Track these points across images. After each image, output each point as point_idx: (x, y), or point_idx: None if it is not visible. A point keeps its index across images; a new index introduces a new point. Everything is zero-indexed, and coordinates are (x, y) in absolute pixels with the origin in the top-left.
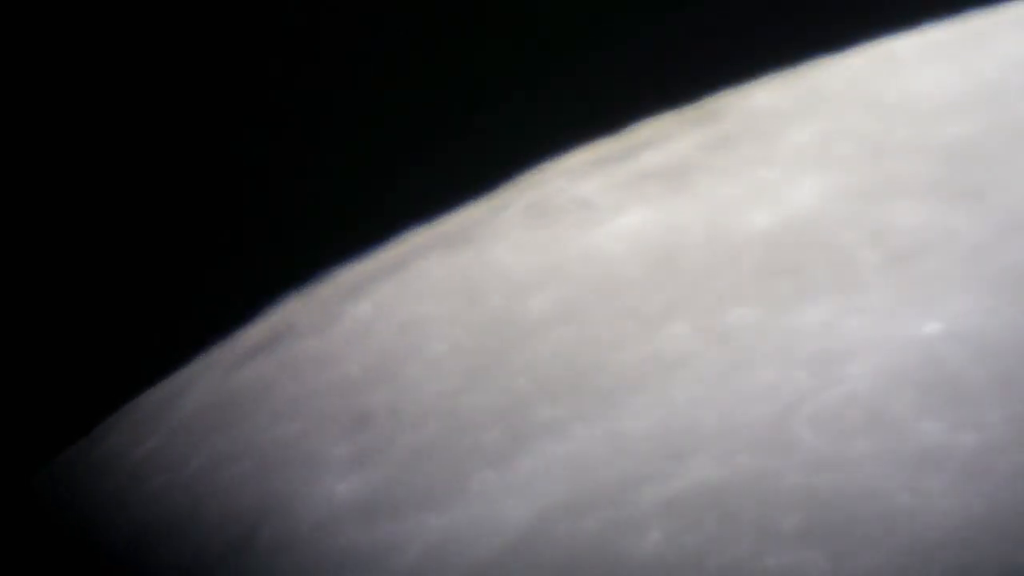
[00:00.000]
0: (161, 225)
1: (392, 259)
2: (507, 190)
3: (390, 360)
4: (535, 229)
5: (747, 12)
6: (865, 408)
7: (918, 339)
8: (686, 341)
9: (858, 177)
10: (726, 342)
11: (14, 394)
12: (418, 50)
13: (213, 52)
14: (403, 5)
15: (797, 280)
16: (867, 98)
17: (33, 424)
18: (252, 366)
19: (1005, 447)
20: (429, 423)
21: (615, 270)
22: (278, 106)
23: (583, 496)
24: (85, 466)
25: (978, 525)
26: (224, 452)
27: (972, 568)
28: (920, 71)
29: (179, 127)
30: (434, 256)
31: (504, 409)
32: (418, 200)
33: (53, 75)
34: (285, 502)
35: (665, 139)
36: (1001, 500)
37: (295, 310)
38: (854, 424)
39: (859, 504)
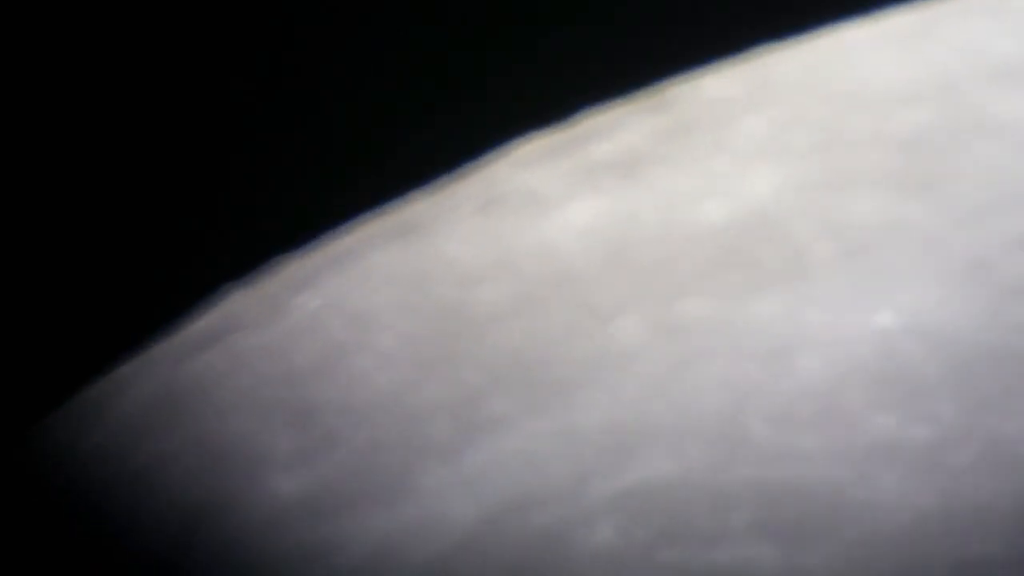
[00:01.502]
0: (102, 218)
1: (339, 250)
2: (457, 181)
3: (338, 353)
4: (485, 220)
5: None
6: (817, 401)
7: (871, 331)
8: (638, 334)
9: (812, 168)
10: (678, 335)
11: None
12: (365, 44)
13: (155, 47)
14: (356, 2)
15: (750, 273)
16: (820, 87)
17: None
18: (198, 359)
19: (957, 440)
20: (377, 417)
21: (566, 262)
22: (214, 101)
23: (534, 491)
24: (31, 459)
25: (930, 518)
26: (170, 447)
27: (924, 561)
28: (873, 59)
29: (117, 122)
30: (383, 247)
31: (454, 403)
32: (365, 191)
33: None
34: (231, 498)
35: (616, 129)
36: (953, 493)
37: (240, 302)
38: (806, 417)
39: (811, 497)
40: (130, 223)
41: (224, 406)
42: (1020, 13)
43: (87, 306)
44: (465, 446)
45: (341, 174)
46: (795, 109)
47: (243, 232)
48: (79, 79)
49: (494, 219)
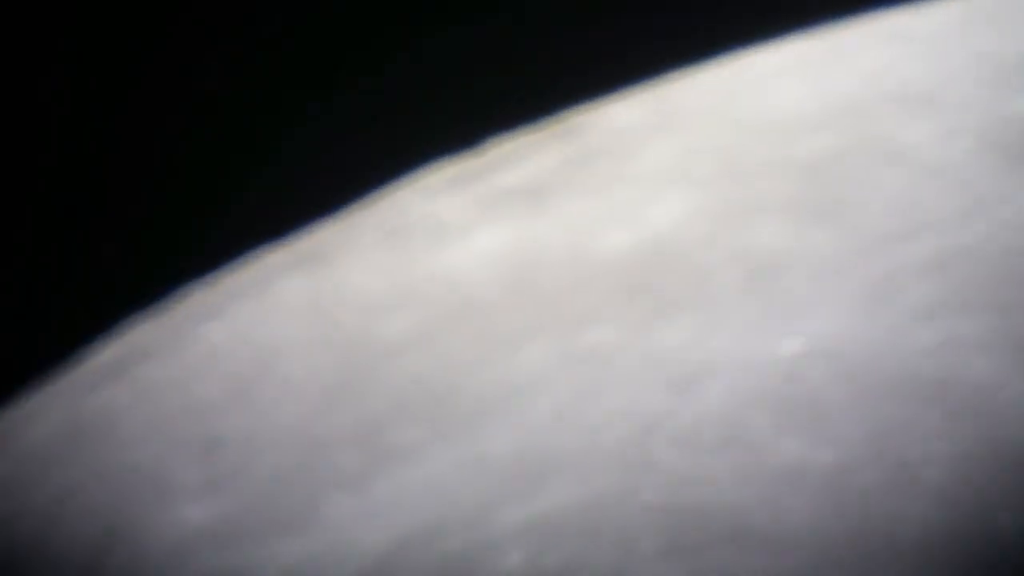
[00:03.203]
0: (3, 248)
1: (246, 279)
2: (363, 208)
3: (244, 383)
4: (392, 249)
5: (604, 26)
6: (724, 427)
7: (777, 357)
8: (545, 362)
9: (717, 195)
10: (585, 362)
11: None
12: (270, 66)
13: (66, 62)
14: (261, 23)
15: (657, 300)
16: (725, 114)
17: None
18: (103, 390)
19: (862, 464)
20: (284, 447)
21: (473, 291)
22: (118, 121)
23: (442, 519)
24: None
25: (835, 542)
26: (75, 478)
27: None
28: (778, 85)
29: (23, 138)
30: (289, 277)
31: (361, 432)
32: (271, 218)
33: None
34: (136, 528)
35: (523, 156)
36: (859, 518)
37: (145, 333)
38: (713, 443)
39: (718, 522)
40: (33, 253)
41: (129, 437)
42: (924, 39)
43: None
44: (372, 475)
45: (245, 203)
46: (701, 136)
47: (147, 262)
48: None
49: (400, 248)
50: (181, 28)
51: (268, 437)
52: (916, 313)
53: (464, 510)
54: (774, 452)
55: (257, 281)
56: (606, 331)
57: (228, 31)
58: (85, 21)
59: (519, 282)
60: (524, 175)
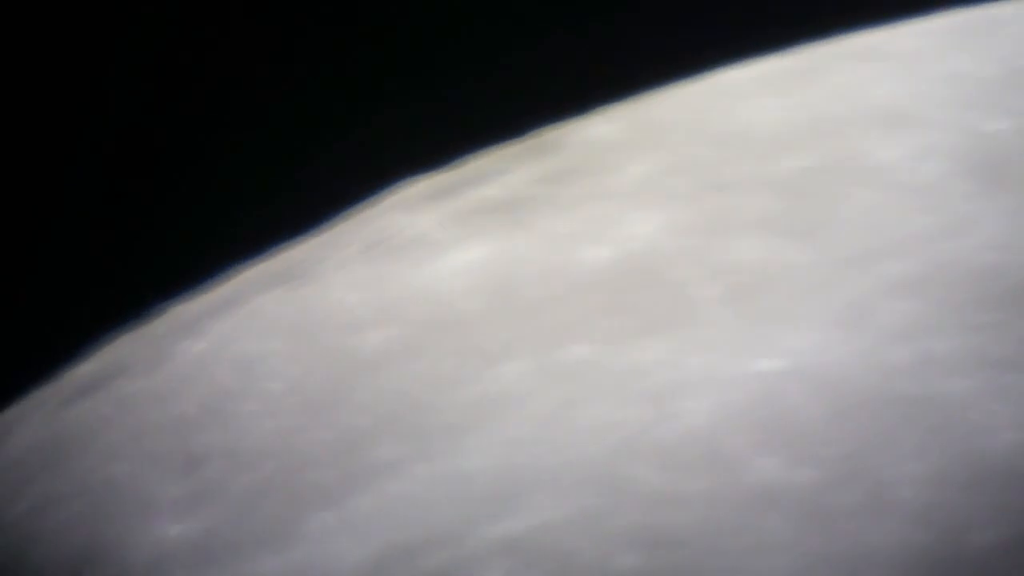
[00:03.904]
0: None
1: (226, 295)
2: (341, 224)
3: (224, 399)
4: (371, 264)
5: (582, 42)
6: (702, 445)
7: (755, 375)
8: (524, 378)
9: (695, 212)
10: (564, 379)
11: None
12: (248, 83)
13: (41, 77)
14: (237, 40)
15: (635, 316)
16: (703, 131)
17: None
18: (82, 405)
19: (841, 483)
20: (264, 463)
21: (453, 306)
22: (102, 139)
23: (421, 536)
24: None
25: (814, 562)
26: (52, 493)
27: None
28: (755, 103)
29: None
30: (269, 292)
31: (341, 448)
32: (250, 235)
33: None
34: (115, 545)
35: (502, 171)
36: (836, 537)
37: (126, 348)
38: (691, 461)
39: (696, 542)
40: (9, 267)
41: (109, 452)
42: (898, 57)
43: None
44: (352, 491)
45: (225, 218)
46: (678, 153)
47: (126, 277)
48: None
49: (378, 263)
50: (170, 39)
51: (248, 453)
52: (892, 332)
53: (443, 527)
54: (752, 471)
55: (237, 296)
56: (584, 348)
57: (212, 45)
58: (78, 27)
59: (497, 297)
60: (503, 190)
